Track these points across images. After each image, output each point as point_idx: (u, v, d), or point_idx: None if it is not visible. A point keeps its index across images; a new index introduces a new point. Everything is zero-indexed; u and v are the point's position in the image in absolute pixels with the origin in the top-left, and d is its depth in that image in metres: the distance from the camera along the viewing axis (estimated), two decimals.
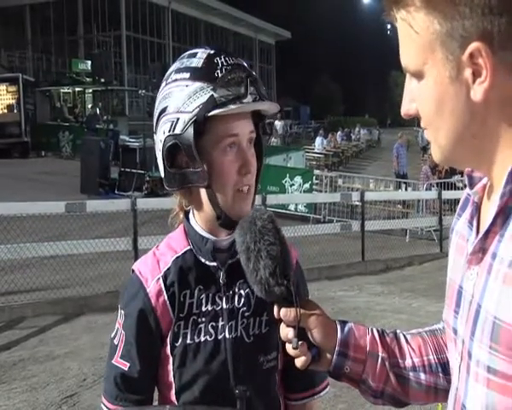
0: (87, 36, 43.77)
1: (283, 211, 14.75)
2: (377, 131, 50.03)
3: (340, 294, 9.46)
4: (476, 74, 0.93)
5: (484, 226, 1.00)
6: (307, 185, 16.10)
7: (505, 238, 0.95)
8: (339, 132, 39.07)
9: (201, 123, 1.42)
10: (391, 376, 1.27)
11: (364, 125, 49.39)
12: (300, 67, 79.11)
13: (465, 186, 1.15)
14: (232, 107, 1.42)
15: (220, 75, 1.42)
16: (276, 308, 1.25)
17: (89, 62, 34.01)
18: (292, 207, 15.73)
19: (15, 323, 7.61)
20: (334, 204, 15.54)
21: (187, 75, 1.45)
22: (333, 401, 5.23)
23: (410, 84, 1.04)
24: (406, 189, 16.80)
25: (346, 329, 1.27)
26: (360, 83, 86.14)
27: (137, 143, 18.89)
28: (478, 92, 0.94)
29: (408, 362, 1.28)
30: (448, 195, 14.99)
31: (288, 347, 1.25)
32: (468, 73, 0.94)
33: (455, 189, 15.66)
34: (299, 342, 1.22)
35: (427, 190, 15.76)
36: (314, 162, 27.34)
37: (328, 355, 1.25)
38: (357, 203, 13.43)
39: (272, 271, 1.21)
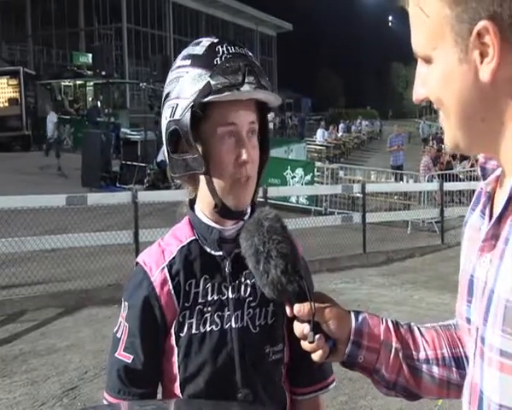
0: (88, 28, 43.71)
1: (285, 203, 14.74)
2: (379, 123, 49.98)
3: (341, 286, 9.45)
4: (484, 55, 0.94)
5: (497, 213, 1.00)
6: (308, 177, 16.09)
7: None
8: (341, 125, 39.05)
9: (198, 109, 1.43)
10: (404, 367, 1.27)
11: (366, 117, 49.36)
12: (302, 59, 78.99)
13: (469, 178, 1.15)
14: (227, 93, 1.41)
15: (219, 63, 1.43)
16: (288, 307, 1.25)
17: (90, 55, 33.85)
18: (293, 199, 15.72)
19: (16, 316, 7.61)
20: (335, 196, 15.52)
21: (188, 62, 1.47)
22: (333, 393, 5.22)
23: (421, 69, 1.04)
24: (408, 181, 16.79)
25: (360, 318, 1.27)
26: (362, 75, 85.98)
27: (139, 136, 18.88)
28: (485, 72, 0.94)
29: (421, 354, 1.28)
30: (449, 186, 14.97)
31: (304, 343, 1.25)
32: (475, 54, 0.94)
33: (456, 180, 15.64)
34: (316, 336, 1.23)
35: (428, 181, 15.74)
36: (315, 154, 27.33)
37: (343, 346, 1.25)
38: (359, 195, 13.40)
39: (284, 269, 1.22)
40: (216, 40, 1.48)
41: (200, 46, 1.48)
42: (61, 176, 19.21)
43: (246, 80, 1.43)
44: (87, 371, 5.84)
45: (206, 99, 1.41)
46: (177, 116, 1.46)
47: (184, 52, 1.51)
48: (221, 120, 1.45)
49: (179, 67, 1.48)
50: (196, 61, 1.45)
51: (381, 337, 1.27)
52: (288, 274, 1.22)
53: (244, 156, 1.46)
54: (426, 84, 1.03)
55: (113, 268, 8.68)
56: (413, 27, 1.02)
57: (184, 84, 1.45)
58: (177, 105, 1.45)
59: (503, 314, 0.94)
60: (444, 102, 1.01)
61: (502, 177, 1.05)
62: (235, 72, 1.42)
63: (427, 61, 1.01)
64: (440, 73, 0.99)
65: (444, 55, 0.97)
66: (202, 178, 1.50)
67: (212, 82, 1.41)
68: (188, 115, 1.43)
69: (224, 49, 1.45)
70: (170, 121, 1.48)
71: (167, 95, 1.49)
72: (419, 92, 1.06)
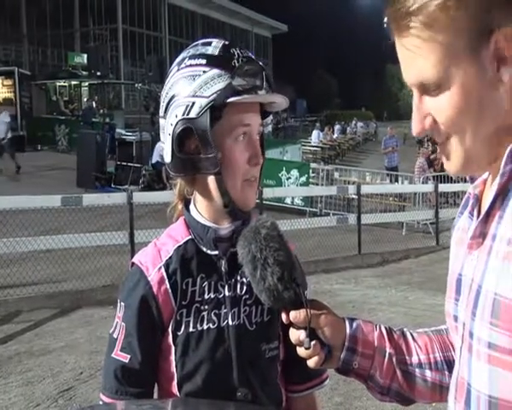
0: (83, 29, 43.64)
1: (280, 204, 14.77)
2: (374, 125, 50.06)
3: (336, 287, 9.46)
4: (502, 59, 0.95)
5: (484, 211, 1.01)
6: (304, 179, 16.11)
7: (504, 219, 0.97)
8: (337, 126, 39.10)
9: (218, 109, 1.43)
10: (397, 372, 1.29)
11: (361, 119, 49.46)
12: (297, 60, 79.12)
13: (463, 180, 1.17)
14: (248, 96, 1.43)
15: (237, 65, 1.44)
16: (284, 314, 1.27)
17: (85, 56, 33.83)
18: (288, 200, 15.74)
19: (11, 317, 7.59)
20: (330, 197, 15.55)
21: (203, 61, 1.46)
22: (329, 393, 5.23)
23: (421, 101, 1.03)
24: (403, 182, 16.82)
25: (355, 325, 1.30)
26: (357, 76, 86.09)
27: (134, 137, 18.86)
28: (504, 76, 0.95)
29: (414, 359, 1.31)
30: (444, 188, 15.00)
31: (300, 349, 1.27)
32: (493, 61, 0.95)
33: (451, 182, 15.66)
34: (312, 343, 1.24)
35: (423, 183, 15.77)
36: (310, 155, 27.39)
37: (338, 352, 1.28)
38: (354, 196, 13.43)
39: (280, 276, 1.25)
40: (227, 42, 1.50)
41: (213, 47, 1.48)
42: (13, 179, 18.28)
43: (264, 84, 1.46)
44: (82, 372, 5.82)
45: (230, 99, 1.42)
46: (192, 114, 1.44)
47: (194, 51, 1.50)
48: (238, 122, 1.46)
49: (192, 65, 1.47)
50: (213, 61, 1.45)
51: (375, 343, 1.29)
52: (285, 281, 1.24)
53: (258, 157, 1.50)
54: (433, 112, 1.01)
55: (108, 269, 8.68)
56: (415, 58, 1.01)
57: (202, 84, 1.44)
58: (194, 103, 1.44)
59: (491, 308, 0.96)
60: (461, 124, 0.99)
61: (490, 181, 1.07)
62: (254, 75, 1.45)
63: (438, 86, 0.99)
64: (458, 92, 0.97)
65: (462, 74, 0.97)
66: (207, 179, 1.50)
67: (234, 83, 1.42)
68: (207, 114, 1.43)
69: (238, 51, 1.47)
70: (182, 120, 1.46)
71: (178, 93, 1.47)
72: (422, 124, 1.04)
